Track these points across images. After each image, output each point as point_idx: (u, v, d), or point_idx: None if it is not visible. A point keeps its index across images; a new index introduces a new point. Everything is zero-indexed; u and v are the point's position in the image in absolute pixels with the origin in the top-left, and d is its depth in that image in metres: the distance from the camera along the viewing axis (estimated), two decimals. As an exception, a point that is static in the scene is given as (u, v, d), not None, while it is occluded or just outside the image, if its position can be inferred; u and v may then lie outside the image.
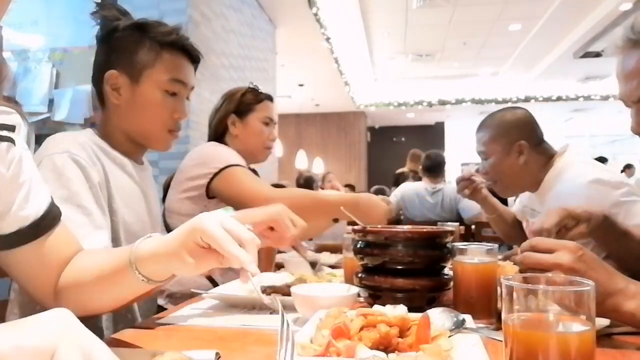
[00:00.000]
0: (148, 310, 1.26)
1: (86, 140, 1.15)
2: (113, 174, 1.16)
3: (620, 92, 1.03)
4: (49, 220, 0.82)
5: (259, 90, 1.94)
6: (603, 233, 1.16)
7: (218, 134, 1.91)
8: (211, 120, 1.94)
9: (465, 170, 2.03)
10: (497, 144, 1.73)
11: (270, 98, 1.97)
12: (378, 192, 6.30)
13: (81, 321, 0.41)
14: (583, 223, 1.12)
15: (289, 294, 1.06)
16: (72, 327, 0.40)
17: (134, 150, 1.28)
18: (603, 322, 0.80)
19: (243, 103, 1.89)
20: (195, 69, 1.34)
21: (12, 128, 0.80)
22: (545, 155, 1.71)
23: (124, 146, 1.25)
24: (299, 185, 5.22)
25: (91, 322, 1.06)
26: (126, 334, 0.86)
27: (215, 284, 1.66)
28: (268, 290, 1.10)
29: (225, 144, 1.85)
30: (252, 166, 2.06)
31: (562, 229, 1.10)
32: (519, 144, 1.69)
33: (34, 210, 0.80)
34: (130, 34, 1.22)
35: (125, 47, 1.21)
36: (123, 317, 1.11)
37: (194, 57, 1.30)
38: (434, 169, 3.95)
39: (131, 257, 0.76)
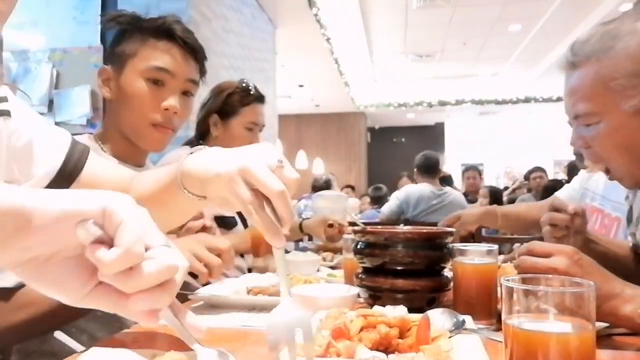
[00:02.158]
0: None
1: None
2: None
3: (564, 107, 1.10)
4: (74, 161, 0.81)
5: (250, 91, 1.80)
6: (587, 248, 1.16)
7: (201, 132, 1.81)
8: (197, 116, 1.83)
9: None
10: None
11: (260, 99, 1.83)
12: (375, 191, 6.30)
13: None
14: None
15: (274, 294, 1.06)
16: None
17: (131, 151, 1.24)
18: (602, 323, 0.80)
19: (228, 104, 1.77)
20: (199, 62, 1.26)
21: (4, 99, 0.79)
22: None
23: (121, 148, 1.22)
24: (316, 189, 5.16)
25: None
26: (126, 334, 0.86)
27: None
28: (254, 290, 1.10)
29: (207, 144, 1.75)
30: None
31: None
32: None
33: (54, 161, 0.79)
34: (124, 29, 1.20)
35: (115, 41, 1.21)
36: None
37: (189, 47, 1.21)
38: (430, 169, 3.93)
39: (177, 174, 0.70)
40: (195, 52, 1.24)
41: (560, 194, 1.96)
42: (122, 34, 1.20)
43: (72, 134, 1.16)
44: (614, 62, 0.94)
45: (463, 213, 1.88)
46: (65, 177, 0.79)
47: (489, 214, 1.90)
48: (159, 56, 1.17)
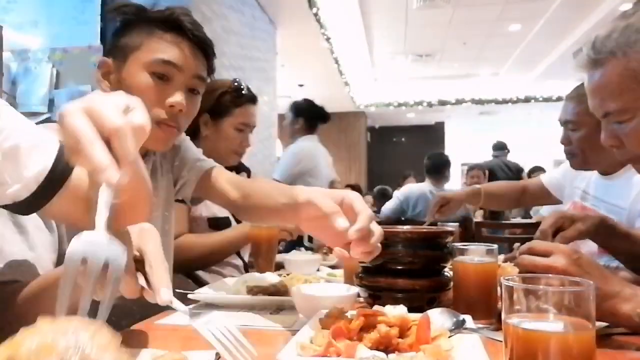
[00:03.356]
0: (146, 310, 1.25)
1: None
2: None
3: (590, 106, 1.07)
4: (63, 164, 0.78)
5: (242, 91, 1.78)
6: (601, 234, 1.17)
7: (190, 131, 1.78)
8: None
9: None
10: (593, 117, 1.61)
11: (253, 100, 1.82)
12: (380, 193, 6.30)
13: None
14: (578, 222, 1.15)
15: (274, 294, 1.06)
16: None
17: None
18: (602, 322, 0.80)
19: (220, 104, 1.75)
20: (208, 58, 1.17)
21: None
22: None
23: None
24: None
25: None
26: (126, 334, 0.86)
27: (199, 283, 1.63)
28: (255, 290, 1.10)
29: (196, 143, 1.69)
30: (252, 166, 2.04)
31: (559, 230, 1.13)
32: None
33: (43, 163, 0.76)
34: (128, 21, 1.13)
35: (118, 33, 1.13)
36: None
37: (199, 41, 1.13)
38: (436, 170, 3.93)
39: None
40: (204, 47, 1.15)
41: (545, 180, 1.98)
42: (126, 25, 1.13)
43: None
44: None
45: (451, 196, 1.95)
46: (55, 180, 0.77)
47: (474, 194, 1.98)
48: (166, 49, 1.08)
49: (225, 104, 1.75)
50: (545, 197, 1.97)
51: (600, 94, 1.00)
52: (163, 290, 0.63)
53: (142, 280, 0.64)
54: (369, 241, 0.82)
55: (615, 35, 0.94)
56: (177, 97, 1.08)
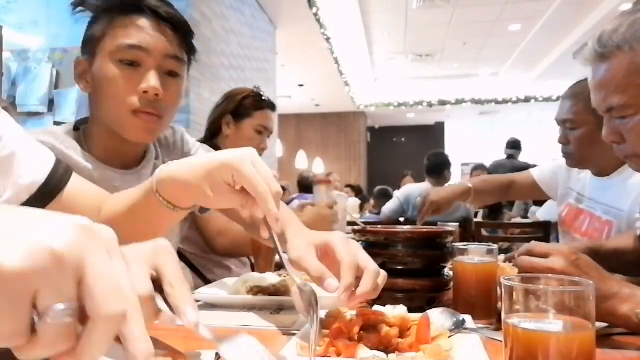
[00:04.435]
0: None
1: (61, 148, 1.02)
2: None
3: (592, 101, 1.06)
4: (57, 179, 0.79)
5: (262, 97, 1.92)
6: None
7: (213, 131, 1.92)
8: (210, 116, 1.96)
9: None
10: (593, 115, 1.50)
11: (272, 107, 1.96)
12: (381, 193, 6.30)
13: None
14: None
15: (274, 294, 1.06)
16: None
17: (118, 147, 1.08)
18: (602, 323, 0.80)
19: (242, 106, 1.89)
20: (181, 36, 1.06)
21: None
22: None
23: (105, 145, 1.08)
24: (303, 187, 5.21)
25: None
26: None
27: (206, 280, 1.64)
28: (255, 290, 1.10)
29: (217, 142, 1.87)
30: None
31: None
32: None
33: (37, 175, 0.77)
34: (94, 14, 1.07)
35: (86, 29, 1.08)
36: None
37: (163, 19, 1.04)
38: (435, 170, 3.93)
39: (152, 181, 0.72)
40: (175, 25, 1.06)
41: (536, 174, 1.93)
42: (93, 19, 1.08)
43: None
44: None
45: (438, 199, 1.84)
46: (47, 193, 0.77)
47: (463, 193, 1.90)
48: (129, 33, 1.00)
49: (247, 106, 1.90)
50: (535, 191, 1.94)
51: (605, 88, 1.00)
52: (189, 310, 0.52)
53: (161, 303, 0.55)
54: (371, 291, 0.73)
55: (622, 30, 0.94)
56: (150, 82, 1.00)
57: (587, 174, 1.70)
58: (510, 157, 5.76)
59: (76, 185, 0.82)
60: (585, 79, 1.70)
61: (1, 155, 0.74)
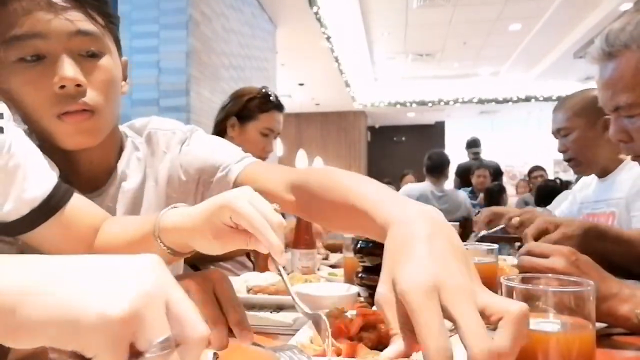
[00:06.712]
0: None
1: None
2: None
3: (599, 100, 1.06)
4: (59, 196, 0.79)
5: (270, 98, 1.86)
6: (591, 237, 1.15)
7: (218, 132, 1.88)
8: (216, 116, 1.92)
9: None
10: (582, 118, 1.63)
11: (279, 108, 1.90)
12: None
13: None
14: (562, 226, 1.15)
15: (274, 294, 1.06)
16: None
17: (65, 162, 0.87)
18: (601, 323, 0.80)
19: (247, 108, 1.84)
20: (83, 6, 0.81)
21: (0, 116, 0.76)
22: None
23: (55, 161, 0.84)
24: None
25: None
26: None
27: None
28: (254, 289, 1.10)
29: None
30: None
31: (544, 234, 1.13)
32: (604, 119, 1.49)
33: (40, 190, 0.76)
34: None
35: None
36: None
37: None
38: (435, 169, 3.93)
39: (155, 227, 0.71)
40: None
41: (557, 211, 1.92)
42: None
43: None
44: None
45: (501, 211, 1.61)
46: (49, 208, 0.77)
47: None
48: (17, 22, 0.77)
49: (252, 108, 1.84)
50: None
51: (612, 87, 0.99)
52: (246, 335, 0.63)
53: None
54: None
55: (629, 28, 0.93)
56: (62, 72, 0.79)
57: (592, 181, 1.73)
58: (475, 156, 5.73)
59: (77, 203, 0.82)
60: (572, 93, 1.76)
61: (8, 165, 0.74)
